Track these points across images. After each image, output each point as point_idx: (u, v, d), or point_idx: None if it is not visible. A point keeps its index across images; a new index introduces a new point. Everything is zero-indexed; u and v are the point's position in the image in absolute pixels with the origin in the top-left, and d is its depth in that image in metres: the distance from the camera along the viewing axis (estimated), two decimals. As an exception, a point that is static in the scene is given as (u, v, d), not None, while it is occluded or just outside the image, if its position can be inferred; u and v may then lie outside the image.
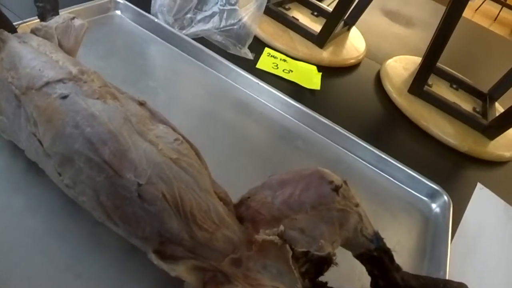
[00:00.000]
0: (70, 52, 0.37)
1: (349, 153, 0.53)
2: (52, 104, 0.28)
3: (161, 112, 0.33)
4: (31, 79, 0.30)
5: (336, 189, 0.31)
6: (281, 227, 0.29)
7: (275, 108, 0.55)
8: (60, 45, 0.37)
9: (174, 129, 0.31)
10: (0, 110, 0.33)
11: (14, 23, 0.42)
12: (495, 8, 2.73)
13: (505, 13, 2.74)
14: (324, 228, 0.30)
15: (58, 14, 0.42)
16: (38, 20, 0.42)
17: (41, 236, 0.32)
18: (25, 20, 0.47)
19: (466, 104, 0.71)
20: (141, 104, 0.31)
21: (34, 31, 0.37)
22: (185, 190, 0.27)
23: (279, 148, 0.50)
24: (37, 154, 0.30)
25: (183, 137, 0.31)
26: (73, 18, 0.39)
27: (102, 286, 0.30)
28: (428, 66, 0.66)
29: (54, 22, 0.38)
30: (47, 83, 0.29)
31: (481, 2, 2.63)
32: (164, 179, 0.26)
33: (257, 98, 0.55)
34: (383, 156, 0.51)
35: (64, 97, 0.28)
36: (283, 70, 0.64)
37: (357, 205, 0.32)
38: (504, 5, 2.69)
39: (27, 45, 0.33)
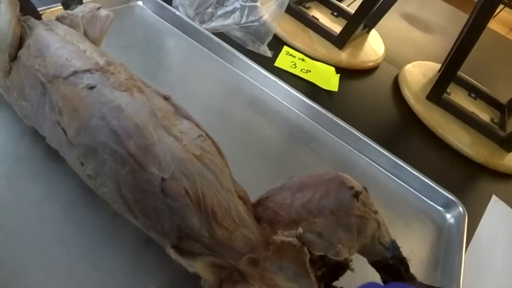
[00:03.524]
0: (94, 42, 0.37)
1: (364, 157, 0.52)
2: (79, 94, 0.28)
3: (181, 107, 0.33)
4: (58, 67, 0.30)
5: (356, 195, 0.31)
6: (300, 229, 0.29)
7: (292, 108, 0.55)
8: (85, 35, 0.37)
9: (197, 125, 0.31)
10: (25, 96, 0.33)
11: (39, 9, 0.42)
12: (512, 16, 2.68)
13: (523, 22, 2.69)
14: (342, 234, 0.30)
15: (81, 3, 0.42)
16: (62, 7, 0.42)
17: (59, 225, 0.32)
18: (49, 6, 0.47)
19: (484, 114, 0.70)
20: (166, 98, 0.31)
21: (60, 19, 0.37)
22: (207, 187, 0.27)
23: (294, 148, 0.50)
24: (60, 143, 0.31)
25: (206, 134, 0.30)
26: (99, 8, 0.39)
27: (117, 279, 0.30)
28: (449, 74, 0.65)
29: (80, 11, 0.38)
30: (74, 73, 0.29)
31: (499, 10, 2.59)
32: (188, 175, 0.26)
33: (274, 96, 0.55)
34: (399, 162, 0.51)
35: (91, 87, 0.28)
36: (301, 70, 0.64)
37: (375, 212, 0.32)
38: (523, 14, 2.64)
39: (53, 33, 0.33)
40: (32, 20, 0.35)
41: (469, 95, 0.75)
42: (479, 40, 0.60)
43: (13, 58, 0.33)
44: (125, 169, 0.26)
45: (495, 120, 0.70)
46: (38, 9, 0.42)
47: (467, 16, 0.72)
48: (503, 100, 0.74)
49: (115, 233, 0.32)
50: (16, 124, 0.37)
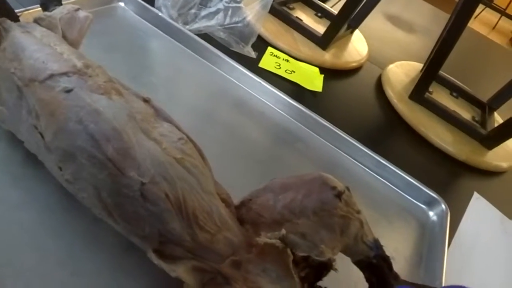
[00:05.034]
0: (73, 44, 0.36)
1: (348, 157, 0.52)
2: (56, 97, 0.28)
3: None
4: (35, 71, 0.29)
5: (339, 195, 0.31)
6: (283, 231, 0.29)
7: (276, 109, 0.55)
8: (64, 37, 0.36)
9: (178, 128, 0.30)
10: (0, 100, 0.32)
11: (16, 11, 0.41)
12: (493, 16, 2.74)
13: (504, 22, 2.76)
14: (325, 234, 0.30)
15: (61, 4, 0.41)
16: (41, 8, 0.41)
17: (36, 231, 0.31)
18: (27, 8, 0.46)
19: (465, 112, 0.71)
20: (146, 101, 0.31)
21: (37, 21, 0.37)
22: (188, 191, 0.27)
23: (279, 149, 0.50)
24: (38, 147, 0.30)
25: (187, 136, 0.30)
26: (78, 9, 0.38)
27: (98, 285, 0.30)
28: (430, 73, 0.66)
29: (58, 12, 0.37)
30: (51, 76, 0.28)
31: (480, 10, 2.64)
32: (168, 179, 0.26)
33: (259, 97, 0.55)
34: (382, 161, 0.51)
35: (68, 91, 0.27)
36: (285, 71, 0.64)
37: (358, 212, 0.32)
38: (504, 14, 2.70)
39: (30, 36, 0.33)
40: (8, 23, 0.34)
41: (451, 94, 0.76)
42: (460, 40, 0.61)
43: (-12, 61, 0.32)
44: (104, 173, 0.26)
45: (476, 119, 0.71)
46: (16, 10, 0.41)
47: (449, 16, 0.74)
48: (484, 98, 0.76)
49: (95, 238, 0.32)
50: (-8, 129, 0.36)
